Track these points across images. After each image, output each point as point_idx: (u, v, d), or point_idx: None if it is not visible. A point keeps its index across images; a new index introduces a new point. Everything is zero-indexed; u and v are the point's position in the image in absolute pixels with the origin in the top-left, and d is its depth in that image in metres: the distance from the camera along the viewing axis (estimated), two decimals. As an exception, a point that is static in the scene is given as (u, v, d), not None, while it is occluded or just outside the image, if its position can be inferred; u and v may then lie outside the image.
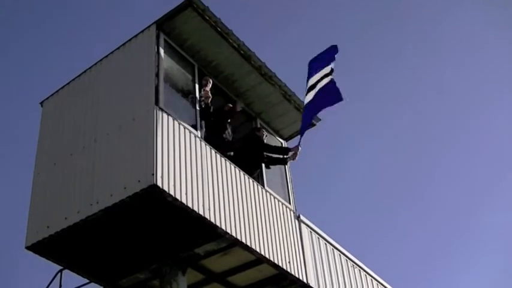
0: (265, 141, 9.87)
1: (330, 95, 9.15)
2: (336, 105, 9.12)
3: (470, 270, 30.37)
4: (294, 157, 9.83)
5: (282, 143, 10.84)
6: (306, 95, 9.38)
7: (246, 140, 9.83)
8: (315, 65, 9.46)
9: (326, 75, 9.26)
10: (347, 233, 28.09)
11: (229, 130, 9.42)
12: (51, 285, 8.75)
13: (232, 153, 9.14)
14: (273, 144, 10.32)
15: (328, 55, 9.40)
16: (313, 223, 10.11)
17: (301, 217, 9.86)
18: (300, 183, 10.71)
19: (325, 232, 10.37)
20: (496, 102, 29.99)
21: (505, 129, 30.03)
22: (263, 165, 9.75)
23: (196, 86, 8.97)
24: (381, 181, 30.37)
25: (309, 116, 9.54)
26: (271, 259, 8.60)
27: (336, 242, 10.67)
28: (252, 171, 9.41)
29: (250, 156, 9.50)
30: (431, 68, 30.18)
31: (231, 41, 9.07)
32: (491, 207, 30.64)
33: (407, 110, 30.96)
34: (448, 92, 30.02)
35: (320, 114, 10.34)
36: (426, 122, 30.81)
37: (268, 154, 9.86)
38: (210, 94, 8.87)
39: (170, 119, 7.89)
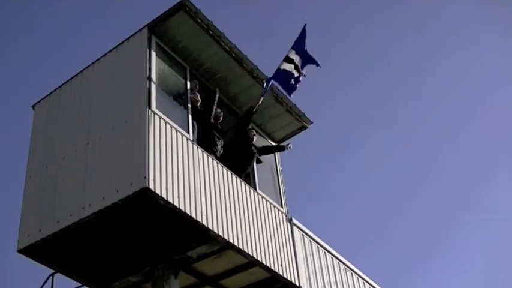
0: (254, 140, 9.86)
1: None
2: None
3: (462, 271, 30.53)
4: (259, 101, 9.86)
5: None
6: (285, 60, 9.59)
7: (236, 140, 9.80)
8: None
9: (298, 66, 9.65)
10: (339, 236, 28.14)
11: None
12: (42, 288, 8.74)
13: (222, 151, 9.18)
14: (265, 144, 10.50)
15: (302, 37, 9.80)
16: (305, 226, 10.14)
17: (293, 220, 9.88)
18: (291, 186, 10.74)
19: (317, 235, 10.40)
20: (492, 102, 30.15)
21: (500, 128, 30.19)
22: (254, 164, 9.76)
23: (188, 88, 8.98)
24: (373, 184, 30.47)
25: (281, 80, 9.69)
26: (264, 262, 8.60)
27: (328, 244, 10.70)
28: (243, 169, 9.45)
29: (241, 155, 9.51)
30: (426, 68, 30.33)
31: (222, 43, 9.09)
32: (482, 207, 30.81)
33: (399, 111, 31.08)
34: (442, 91, 30.15)
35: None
36: (418, 122, 30.94)
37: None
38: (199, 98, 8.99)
39: (162, 121, 7.89)
